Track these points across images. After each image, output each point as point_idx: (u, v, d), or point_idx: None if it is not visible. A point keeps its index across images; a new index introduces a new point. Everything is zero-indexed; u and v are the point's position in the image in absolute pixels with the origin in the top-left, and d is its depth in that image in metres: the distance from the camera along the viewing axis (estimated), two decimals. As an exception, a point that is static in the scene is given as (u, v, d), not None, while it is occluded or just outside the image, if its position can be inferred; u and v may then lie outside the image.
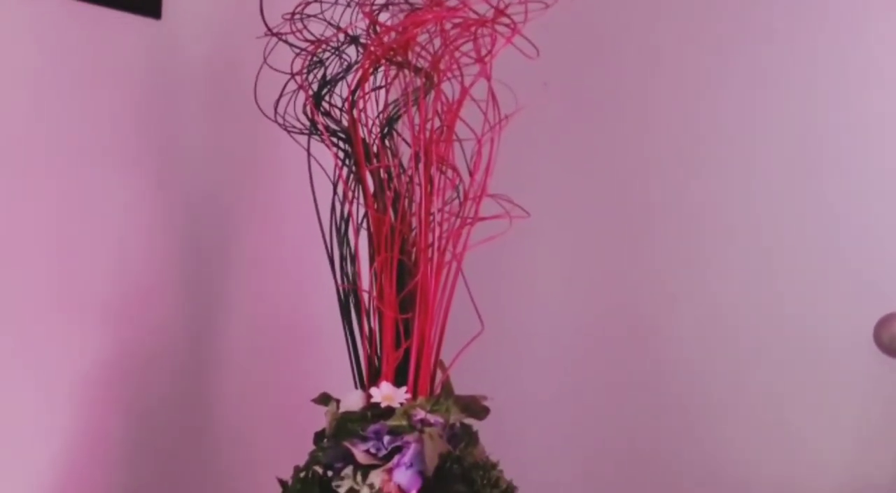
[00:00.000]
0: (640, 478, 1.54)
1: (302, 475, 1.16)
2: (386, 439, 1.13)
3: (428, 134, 1.17)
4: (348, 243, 1.21)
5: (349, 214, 1.20)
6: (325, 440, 1.17)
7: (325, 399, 1.20)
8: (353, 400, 1.18)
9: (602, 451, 1.56)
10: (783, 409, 1.48)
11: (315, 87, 1.22)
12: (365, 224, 1.22)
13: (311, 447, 1.18)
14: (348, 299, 1.20)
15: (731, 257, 1.52)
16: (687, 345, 1.53)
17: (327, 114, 1.22)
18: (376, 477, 1.11)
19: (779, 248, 1.50)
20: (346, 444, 1.12)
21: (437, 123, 1.19)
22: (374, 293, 1.18)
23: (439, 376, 1.21)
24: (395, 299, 1.16)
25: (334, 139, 1.21)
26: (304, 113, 1.23)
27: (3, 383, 1.12)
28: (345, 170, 1.21)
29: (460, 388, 1.21)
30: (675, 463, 1.52)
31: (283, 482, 1.17)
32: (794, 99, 1.50)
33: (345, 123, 1.21)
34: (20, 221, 1.14)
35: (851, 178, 1.47)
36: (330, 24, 1.21)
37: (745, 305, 1.51)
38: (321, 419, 1.20)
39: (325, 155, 1.23)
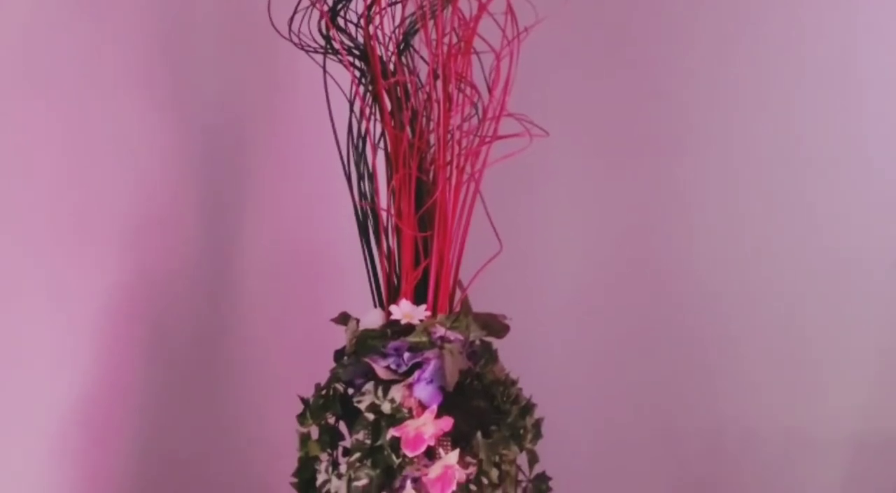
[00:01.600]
0: (655, 397, 1.54)
1: (323, 392, 1.17)
2: (406, 355, 1.13)
3: (445, 50, 1.15)
4: (366, 162, 1.20)
5: (366, 131, 1.19)
6: (346, 358, 1.17)
7: (344, 318, 1.20)
8: (372, 318, 1.19)
9: (618, 372, 1.56)
10: (803, 341, 1.47)
11: (330, 2, 1.20)
12: (382, 144, 1.21)
13: (332, 365, 1.19)
14: (366, 218, 1.20)
15: (754, 181, 1.50)
16: (706, 271, 1.51)
17: (342, 30, 1.20)
18: (397, 392, 1.12)
19: (805, 169, 1.47)
20: (367, 359, 1.13)
21: (454, 38, 1.17)
22: (393, 212, 1.17)
23: (458, 295, 1.21)
24: (414, 218, 1.16)
25: (350, 57, 1.20)
26: (319, 30, 1.21)
27: (25, 307, 1.12)
28: (361, 88, 1.20)
29: (478, 308, 1.21)
30: (686, 392, 1.51)
31: (304, 400, 1.18)
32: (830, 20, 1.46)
33: (360, 39, 1.20)
34: (36, 146, 1.13)
35: (881, 96, 1.44)
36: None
37: (770, 231, 1.49)
38: (341, 339, 1.20)
39: (341, 73, 1.21)
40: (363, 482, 1.10)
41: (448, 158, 1.16)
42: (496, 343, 1.21)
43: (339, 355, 1.19)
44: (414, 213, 1.16)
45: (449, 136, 1.16)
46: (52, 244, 1.15)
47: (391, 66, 1.19)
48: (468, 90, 1.17)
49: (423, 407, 1.12)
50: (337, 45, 1.19)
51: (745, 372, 1.51)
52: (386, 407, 1.12)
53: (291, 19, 1.21)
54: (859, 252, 1.46)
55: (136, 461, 1.24)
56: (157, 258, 1.27)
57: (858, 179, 1.48)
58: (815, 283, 1.48)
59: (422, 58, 1.20)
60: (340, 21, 1.20)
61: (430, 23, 1.16)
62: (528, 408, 1.18)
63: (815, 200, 1.50)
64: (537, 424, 1.19)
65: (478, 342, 1.18)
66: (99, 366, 1.19)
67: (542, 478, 1.20)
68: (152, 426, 1.26)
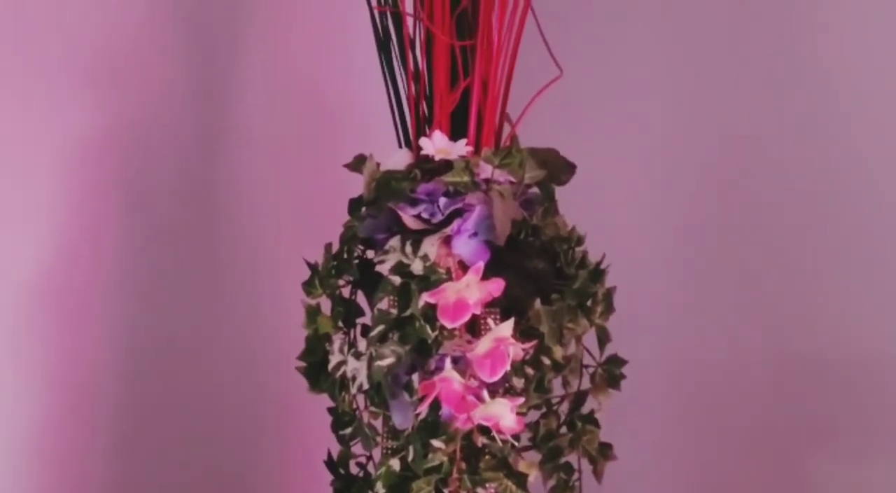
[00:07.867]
0: (739, 267, 1.34)
1: (336, 253, 0.98)
2: (442, 201, 0.93)
3: None
4: (386, -49, 1.02)
5: None
6: (364, 209, 0.98)
7: (359, 162, 1.00)
8: (397, 159, 0.99)
9: (700, 232, 1.36)
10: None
11: None
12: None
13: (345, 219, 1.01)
14: (387, 27, 1.00)
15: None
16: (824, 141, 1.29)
17: None
18: (431, 247, 0.91)
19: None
20: (392, 206, 0.93)
21: None
22: (422, 15, 0.97)
23: (506, 130, 1.01)
24: (450, 21, 0.95)
25: None
26: None
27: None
28: None
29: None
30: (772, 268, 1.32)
31: (312, 265, 0.99)
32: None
33: None
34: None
35: None
36: None
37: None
38: (357, 191, 1.01)
39: None
40: (388, 360, 0.89)
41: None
42: (557, 192, 1.00)
43: (354, 205, 0.99)
44: (450, 14, 0.95)
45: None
46: (9, 86, 1.07)
47: None
48: None
49: (464, 267, 0.93)
50: None
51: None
52: (417, 267, 0.92)
53: None
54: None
55: (118, 345, 1.16)
56: (134, 100, 1.18)
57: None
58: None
59: None
60: None
61: None
62: (599, 273, 0.98)
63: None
64: (608, 294, 0.99)
65: (535, 188, 0.98)
66: (65, 226, 1.12)
67: (616, 361, 0.99)
68: (133, 303, 1.18)
